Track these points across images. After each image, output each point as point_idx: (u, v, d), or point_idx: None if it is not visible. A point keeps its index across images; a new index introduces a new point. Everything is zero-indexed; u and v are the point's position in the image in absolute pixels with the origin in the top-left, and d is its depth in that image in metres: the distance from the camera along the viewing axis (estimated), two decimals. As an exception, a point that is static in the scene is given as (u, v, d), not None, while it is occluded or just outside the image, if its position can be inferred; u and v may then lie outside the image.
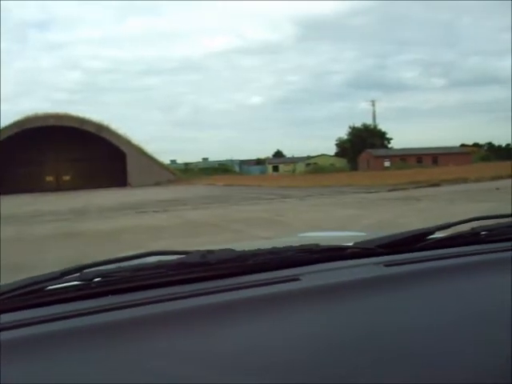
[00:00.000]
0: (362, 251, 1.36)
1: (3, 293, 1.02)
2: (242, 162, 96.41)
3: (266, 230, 11.90)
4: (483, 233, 1.45)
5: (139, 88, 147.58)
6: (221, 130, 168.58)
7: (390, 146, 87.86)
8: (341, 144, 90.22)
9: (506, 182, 27.83)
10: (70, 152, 58.18)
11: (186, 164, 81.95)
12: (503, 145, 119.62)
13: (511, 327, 0.89)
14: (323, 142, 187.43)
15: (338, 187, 29.92)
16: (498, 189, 23.09)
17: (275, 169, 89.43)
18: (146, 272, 1.13)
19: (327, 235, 3.19)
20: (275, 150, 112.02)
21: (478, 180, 31.55)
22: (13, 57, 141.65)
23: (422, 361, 0.83)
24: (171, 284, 1.11)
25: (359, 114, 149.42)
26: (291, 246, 1.30)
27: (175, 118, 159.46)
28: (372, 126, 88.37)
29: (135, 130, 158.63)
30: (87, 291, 1.07)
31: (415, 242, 1.40)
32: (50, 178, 60.50)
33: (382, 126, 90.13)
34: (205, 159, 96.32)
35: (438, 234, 1.45)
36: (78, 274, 1.07)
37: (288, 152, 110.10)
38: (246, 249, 1.28)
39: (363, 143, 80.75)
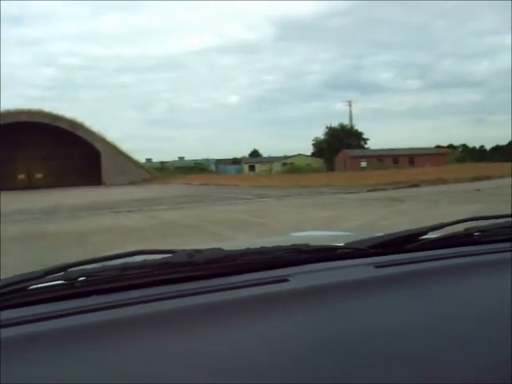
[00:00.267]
0: (352, 252, 1.34)
1: None
2: (218, 162, 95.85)
3: (244, 233, 11.41)
4: (476, 233, 1.44)
5: (115, 85, 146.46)
6: (197, 128, 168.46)
7: (366, 146, 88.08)
8: (317, 144, 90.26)
9: (485, 184, 28.22)
10: (43, 149, 56.88)
11: (162, 163, 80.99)
12: (477, 146, 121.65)
13: (505, 329, 0.89)
14: (300, 142, 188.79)
15: (316, 187, 29.62)
16: (478, 190, 23.09)
17: (251, 168, 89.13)
18: (132, 271, 1.10)
19: (318, 235, 3.17)
20: (252, 150, 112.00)
21: (456, 181, 31.65)
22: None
23: (414, 363, 0.83)
24: (157, 284, 1.09)
25: (336, 115, 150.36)
26: (280, 246, 1.27)
27: (151, 117, 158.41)
28: (349, 127, 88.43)
29: (111, 128, 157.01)
30: (71, 291, 1.04)
31: (407, 242, 1.38)
32: (21, 176, 59.00)
33: (358, 127, 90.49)
34: (181, 158, 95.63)
35: (431, 235, 1.43)
36: (62, 273, 1.05)
37: (264, 152, 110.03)
38: (235, 248, 1.26)
39: (340, 143, 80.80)
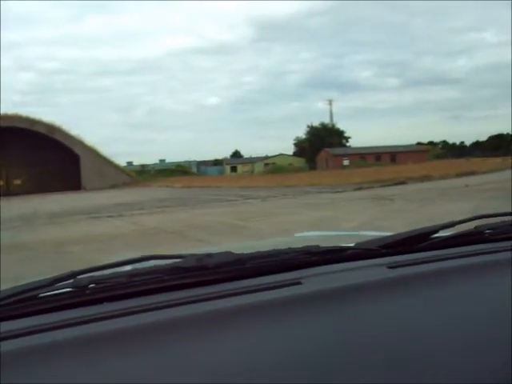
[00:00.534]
0: (364, 252, 1.32)
1: None
2: (200, 163, 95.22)
3: (232, 239, 10.68)
4: (487, 231, 1.42)
5: (95, 89, 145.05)
6: (178, 131, 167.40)
7: (348, 144, 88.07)
8: (299, 143, 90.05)
9: (471, 179, 27.96)
10: (21, 155, 55.42)
11: (143, 166, 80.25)
12: (457, 143, 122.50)
13: None
14: (281, 142, 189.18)
15: (301, 187, 29.19)
16: (467, 186, 22.74)
17: (233, 169, 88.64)
18: (142, 277, 1.09)
19: (324, 235, 3.11)
20: (233, 151, 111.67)
21: (442, 178, 31.57)
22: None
23: (431, 365, 0.83)
24: (168, 289, 1.08)
25: (316, 114, 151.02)
26: (291, 248, 1.26)
27: (131, 120, 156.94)
28: (330, 125, 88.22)
29: (91, 132, 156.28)
30: (81, 298, 1.04)
31: (419, 241, 1.37)
32: (-1, 183, 57.92)
33: (339, 125, 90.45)
34: (162, 161, 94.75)
35: (442, 233, 1.41)
36: (71, 281, 1.04)
37: (246, 152, 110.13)
38: (242, 250, 1.25)
39: (321, 142, 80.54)
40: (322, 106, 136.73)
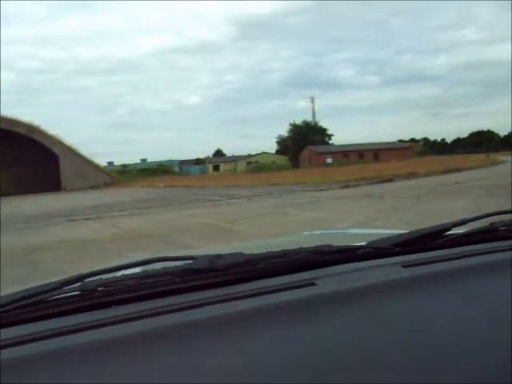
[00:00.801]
0: (377, 251, 1.30)
1: (1, 305, 0.97)
2: (182, 162, 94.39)
3: (219, 244, 9.78)
4: (502, 228, 1.40)
5: (76, 89, 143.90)
6: (159, 130, 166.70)
7: (331, 142, 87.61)
8: (282, 141, 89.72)
9: (459, 176, 27.69)
10: (-1, 155, 54.42)
11: (124, 166, 79.37)
12: (438, 140, 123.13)
13: None
14: (263, 141, 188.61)
15: (286, 185, 28.72)
16: (457, 183, 22.29)
17: (216, 168, 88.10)
18: (151, 280, 1.07)
19: (334, 233, 3.08)
20: (215, 150, 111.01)
21: (428, 174, 31.39)
22: None
23: (450, 366, 0.83)
24: (178, 292, 1.07)
25: (298, 112, 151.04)
26: (302, 248, 1.23)
27: (112, 120, 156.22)
28: (312, 123, 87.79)
29: (71, 132, 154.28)
30: (90, 302, 1.02)
31: (432, 239, 1.34)
32: (-24, 185, 56.51)
33: (321, 123, 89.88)
34: (143, 160, 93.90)
35: (455, 231, 1.38)
36: (79, 284, 1.03)
37: (228, 151, 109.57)
38: (251, 248, 1.24)
39: (304, 140, 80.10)
40: (303, 104, 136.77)
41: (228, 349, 0.88)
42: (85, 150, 58.88)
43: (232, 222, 13.72)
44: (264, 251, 1.21)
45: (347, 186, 25.25)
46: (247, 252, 1.18)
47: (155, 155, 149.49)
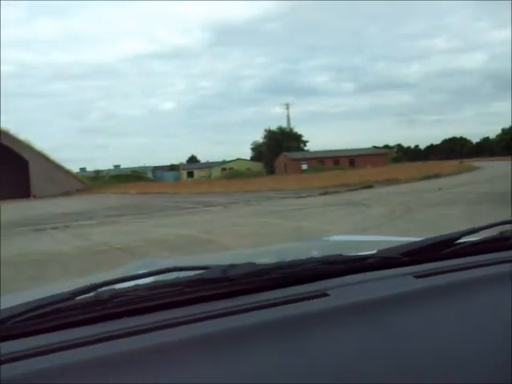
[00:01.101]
0: (386, 261, 1.29)
1: (12, 316, 0.97)
2: (156, 169, 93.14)
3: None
4: None
5: (48, 93, 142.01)
6: (133, 136, 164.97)
7: (306, 148, 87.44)
8: (257, 148, 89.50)
9: (439, 182, 27.29)
10: (-35, 161, 52.60)
11: (97, 172, 77.77)
12: (411, 146, 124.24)
13: None
14: (238, 147, 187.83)
15: (263, 192, 28.11)
16: (440, 189, 21.86)
17: (190, 174, 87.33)
18: (164, 290, 1.07)
19: (340, 240, 3.06)
20: (189, 156, 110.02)
21: (408, 181, 31.20)
22: None
23: (464, 377, 0.83)
24: (190, 302, 1.06)
25: (273, 119, 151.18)
26: (313, 258, 1.24)
27: (86, 125, 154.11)
28: (288, 129, 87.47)
29: (42, 138, 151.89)
30: (102, 312, 1.01)
31: (441, 248, 1.33)
32: None
33: (297, 130, 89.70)
34: (116, 166, 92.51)
35: (465, 239, 1.37)
36: (92, 294, 1.03)
37: (202, 157, 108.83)
38: (259, 255, 1.30)
39: (279, 146, 79.92)
40: (278, 110, 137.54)
41: (242, 361, 0.87)
42: (57, 156, 58.12)
43: (210, 232, 12.72)
44: (274, 258, 1.23)
45: (326, 193, 24.67)
46: (257, 259, 1.19)
47: (129, 161, 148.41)
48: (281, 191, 27.93)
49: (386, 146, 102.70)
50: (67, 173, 57.02)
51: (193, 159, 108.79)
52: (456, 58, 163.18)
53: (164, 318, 0.99)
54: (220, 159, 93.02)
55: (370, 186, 27.66)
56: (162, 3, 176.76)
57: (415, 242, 1.36)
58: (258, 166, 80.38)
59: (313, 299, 1.07)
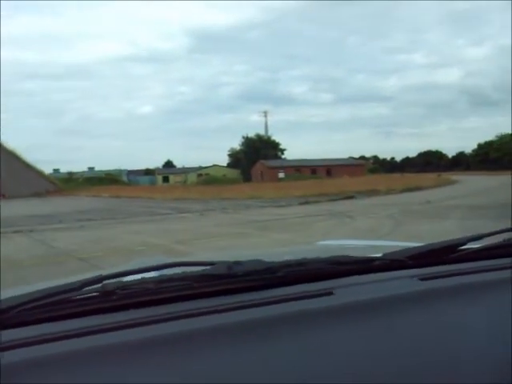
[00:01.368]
0: (392, 263, 1.31)
1: (20, 304, 0.98)
2: (131, 172, 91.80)
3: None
4: None
5: (22, 93, 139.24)
6: (109, 138, 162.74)
7: (283, 157, 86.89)
8: (234, 154, 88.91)
9: (422, 194, 26.69)
10: None
11: (70, 173, 76.36)
12: (387, 158, 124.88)
13: None
14: (215, 153, 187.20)
15: (240, 200, 27.30)
16: (429, 202, 21.19)
17: (165, 179, 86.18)
18: (170, 284, 1.08)
19: (348, 244, 3.10)
20: (165, 160, 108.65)
21: (389, 192, 30.60)
22: None
23: (466, 378, 0.84)
24: (196, 297, 1.08)
25: (251, 127, 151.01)
26: (320, 258, 1.25)
27: (61, 126, 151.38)
28: (265, 137, 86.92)
29: (15, 138, 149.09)
30: (108, 304, 1.03)
31: (447, 253, 1.36)
32: None
33: (274, 138, 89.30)
34: (91, 168, 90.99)
35: (470, 245, 1.39)
36: (99, 285, 1.04)
37: (178, 162, 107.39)
38: (267, 257, 1.25)
39: (257, 154, 79.39)
40: (256, 118, 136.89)
41: (244, 355, 0.88)
42: (31, 157, 56.42)
43: (185, 242, 11.68)
44: (280, 258, 1.22)
45: (306, 203, 23.92)
46: (264, 259, 1.19)
47: (104, 164, 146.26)
48: (259, 199, 27.08)
49: (363, 157, 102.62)
50: (39, 174, 55.77)
51: (169, 164, 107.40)
52: (433, 73, 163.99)
53: (170, 311, 0.99)
54: (196, 165, 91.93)
55: (351, 197, 26.92)
56: (143, 6, 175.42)
57: (421, 246, 1.36)
58: (234, 173, 79.66)
59: (317, 297, 1.07)
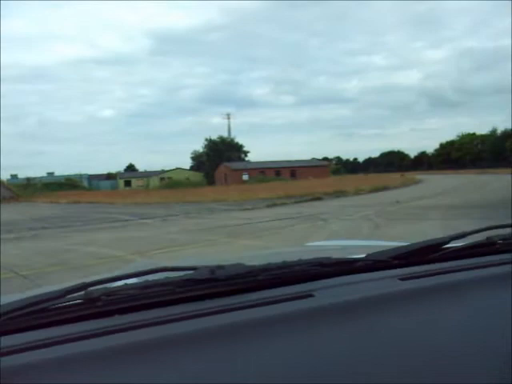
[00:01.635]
0: (375, 264, 1.31)
1: (4, 313, 0.98)
2: (92, 177, 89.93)
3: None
4: (500, 242, 1.42)
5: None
6: (70, 143, 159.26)
7: (247, 159, 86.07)
8: (197, 157, 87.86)
9: (391, 194, 26.22)
10: None
11: (28, 179, 74.10)
12: (350, 159, 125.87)
13: None
14: (177, 156, 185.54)
15: (204, 203, 26.40)
16: (398, 202, 20.73)
17: (127, 184, 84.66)
18: (153, 289, 1.09)
19: (335, 245, 3.11)
20: (127, 164, 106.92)
21: (357, 193, 30.27)
22: None
23: (443, 378, 0.84)
24: (179, 302, 1.09)
25: (213, 129, 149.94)
26: (302, 260, 1.25)
27: (20, 130, 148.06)
28: (228, 139, 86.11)
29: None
30: (92, 311, 1.03)
31: (430, 252, 1.36)
32: None
33: (237, 140, 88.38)
34: (50, 173, 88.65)
35: (454, 244, 1.39)
36: (82, 293, 1.04)
37: (141, 166, 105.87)
38: (251, 259, 1.26)
39: (220, 156, 78.57)
40: (219, 120, 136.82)
41: (228, 358, 0.88)
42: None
43: (144, 254, 10.57)
44: (263, 262, 1.22)
45: (273, 205, 23.06)
46: (248, 263, 1.19)
47: (64, 169, 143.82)
48: (223, 202, 26.25)
49: (325, 158, 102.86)
50: (-7, 181, 53.67)
51: (131, 168, 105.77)
52: (393, 75, 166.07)
53: (154, 316, 1.00)
54: (159, 168, 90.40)
55: (319, 198, 26.22)
56: (104, 8, 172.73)
57: (405, 246, 1.36)
58: (197, 176, 78.68)
59: (298, 299, 1.08)
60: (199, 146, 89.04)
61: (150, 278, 1.12)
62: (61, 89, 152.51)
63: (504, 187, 24.57)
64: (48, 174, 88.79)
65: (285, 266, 1.21)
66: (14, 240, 14.54)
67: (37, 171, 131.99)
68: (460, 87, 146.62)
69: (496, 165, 72.92)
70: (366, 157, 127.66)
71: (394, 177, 52.24)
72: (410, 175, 57.84)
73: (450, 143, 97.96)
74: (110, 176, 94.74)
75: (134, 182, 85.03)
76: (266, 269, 1.18)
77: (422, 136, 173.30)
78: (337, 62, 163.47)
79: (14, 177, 78.79)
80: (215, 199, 28.38)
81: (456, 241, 1.38)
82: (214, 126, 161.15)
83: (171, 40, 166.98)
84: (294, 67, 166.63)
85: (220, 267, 1.14)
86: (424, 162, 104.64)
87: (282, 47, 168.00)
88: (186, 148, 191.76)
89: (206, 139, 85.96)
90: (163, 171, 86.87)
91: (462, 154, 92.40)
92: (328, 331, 0.97)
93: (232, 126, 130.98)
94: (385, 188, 33.31)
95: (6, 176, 64.39)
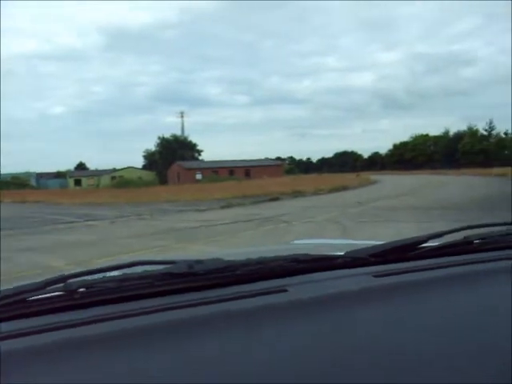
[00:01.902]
0: (352, 261, 1.33)
1: None
2: (40, 175, 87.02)
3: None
4: (476, 241, 1.44)
5: None
6: (17, 140, 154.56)
7: (200, 158, 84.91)
8: (149, 156, 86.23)
9: (351, 194, 25.61)
10: None
11: (-29, 178, 71.11)
12: (303, 159, 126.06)
13: (506, 338, 0.91)
14: (129, 155, 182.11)
15: (157, 204, 25.20)
16: (359, 203, 19.94)
17: (77, 182, 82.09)
18: (132, 282, 1.10)
19: (320, 243, 3.17)
20: (77, 163, 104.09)
21: (316, 193, 29.59)
22: None
23: (414, 373, 0.84)
24: (157, 295, 1.09)
25: (166, 128, 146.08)
26: (280, 256, 1.27)
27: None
28: (182, 138, 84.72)
29: None
30: (71, 302, 1.05)
31: (407, 251, 1.38)
32: None
33: (191, 139, 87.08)
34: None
35: (431, 243, 1.41)
36: (61, 285, 1.05)
37: (91, 165, 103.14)
38: (234, 256, 1.29)
39: (173, 155, 77.21)
40: (172, 119, 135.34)
41: (202, 349, 0.89)
42: None
43: (86, 263, 9.28)
44: (242, 258, 1.23)
45: (229, 206, 21.98)
46: (228, 259, 1.20)
47: (11, 167, 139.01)
48: (176, 203, 25.15)
49: (279, 158, 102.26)
50: None
51: (81, 166, 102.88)
52: (347, 77, 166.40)
53: (131, 308, 1.01)
54: (110, 167, 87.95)
55: (276, 199, 25.32)
56: (55, 4, 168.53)
57: (384, 244, 1.38)
58: (149, 175, 76.87)
59: (271, 294, 1.10)
60: (152, 145, 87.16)
61: (129, 271, 1.12)
62: (8, 84, 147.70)
63: (465, 187, 24.14)
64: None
65: (262, 261, 1.22)
66: None
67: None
68: (412, 89, 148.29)
69: (448, 166, 73.72)
70: (320, 157, 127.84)
71: (350, 177, 51.88)
72: (364, 175, 57.62)
73: (404, 144, 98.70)
74: (59, 174, 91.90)
75: (85, 181, 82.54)
76: (243, 264, 1.19)
77: (375, 137, 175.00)
78: (290, 63, 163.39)
79: (-46, 175, 75.39)
80: (168, 199, 27.33)
81: (433, 240, 1.39)
82: (168, 125, 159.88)
83: (125, 36, 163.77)
84: (248, 67, 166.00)
85: (199, 262, 1.14)
86: (377, 163, 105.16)
87: (235, 47, 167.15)
88: (138, 147, 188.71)
89: (159, 137, 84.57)
90: (115, 170, 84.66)
91: (415, 155, 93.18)
92: (298, 326, 0.97)
93: (186, 124, 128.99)
94: (343, 188, 32.68)
95: None
